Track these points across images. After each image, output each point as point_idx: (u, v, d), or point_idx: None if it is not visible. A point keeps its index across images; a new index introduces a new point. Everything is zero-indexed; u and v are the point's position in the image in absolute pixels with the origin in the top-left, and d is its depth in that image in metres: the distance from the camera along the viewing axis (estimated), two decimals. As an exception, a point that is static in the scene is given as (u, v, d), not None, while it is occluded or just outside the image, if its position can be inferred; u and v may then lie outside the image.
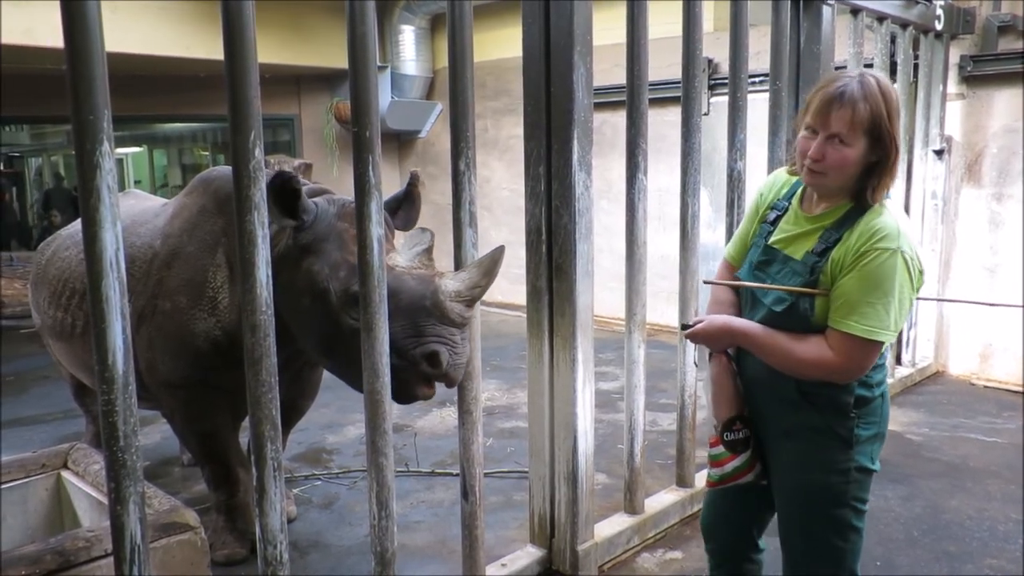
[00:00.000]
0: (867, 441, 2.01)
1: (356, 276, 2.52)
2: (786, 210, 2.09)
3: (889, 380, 5.45)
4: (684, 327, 2.16)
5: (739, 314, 2.14)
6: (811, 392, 1.99)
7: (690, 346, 3.54)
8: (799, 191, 2.08)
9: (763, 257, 2.07)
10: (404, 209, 2.97)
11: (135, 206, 3.57)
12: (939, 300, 5.81)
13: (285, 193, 2.62)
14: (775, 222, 2.09)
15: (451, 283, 2.60)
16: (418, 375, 2.61)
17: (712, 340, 2.08)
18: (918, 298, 2.00)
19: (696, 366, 3.49)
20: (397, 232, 2.98)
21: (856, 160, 1.87)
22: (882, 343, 1.88)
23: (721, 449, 2.14)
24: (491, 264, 2.61)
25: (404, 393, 2.66)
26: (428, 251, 2.79)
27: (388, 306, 2.47)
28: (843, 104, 1.83)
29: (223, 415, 3.21)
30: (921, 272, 1.91)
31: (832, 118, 1.84)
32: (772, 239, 2.07)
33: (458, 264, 2.72)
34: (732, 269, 2.24)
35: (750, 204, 2.23)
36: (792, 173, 2.10)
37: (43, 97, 7.95)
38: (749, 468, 2.14)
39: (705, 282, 2.16)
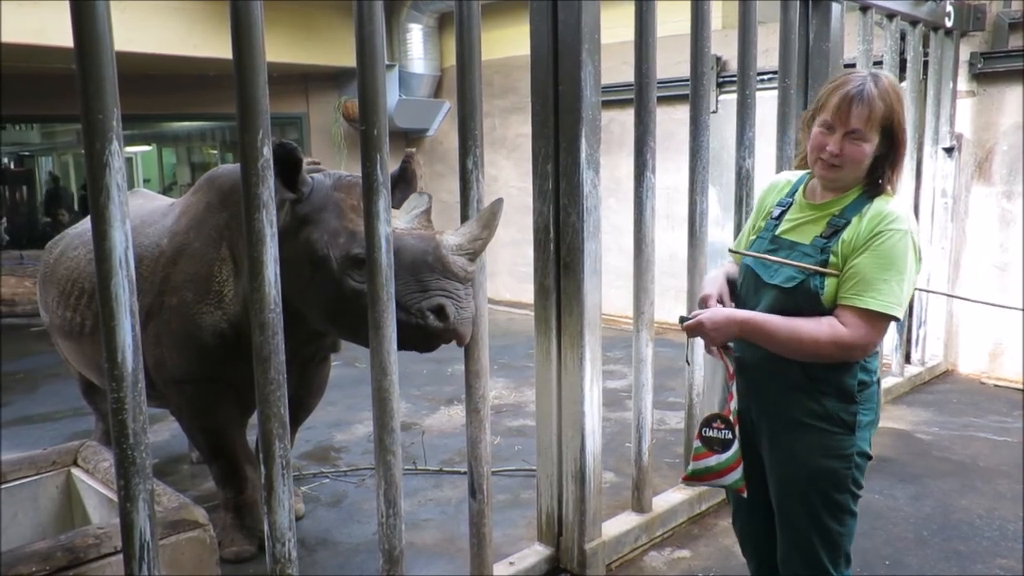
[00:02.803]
0: (866, 426, 2.07)
1: (356, 241, 2.60)
2: (790, 205, 2.15)
3: (899, 379, 5.47)
4: (682, 320, 2.12)
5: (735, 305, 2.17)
6: (818, 377, 2.01)
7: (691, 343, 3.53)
8: (802, 186, 2.15)
9: (771, 247, 2.12)
10: (400, 188, 2.97)
11: (144, 206, 3.58)
12: (947, 295, 5.76)
13: (288, 164, 2.64)
14: (780, 217, 2.15)
15: (452, 238, 2.65)
16: (426, 331, 2.62)
17: (718, 331, 2.05)
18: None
19: (688, 363, 3.47)
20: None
21: (870, 154, 1.96)
22: (894, 318, 1.93)
23: (698, 444, 2.15)
24: (490, 217, 2.66)
25: (418, 344, 2.67)
26: (427, 212, 2.82)
27: None
28: (862, 102, 1.92)
29: (230, 411, 3.22)
30: (921, 258, 1.99)
31: (852, 115, 1.92)
32: (779, 230, 2.13)
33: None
34: (735, 264, 2.29)
35: (755, 205, 2.31)
36: (800, 167, 2.16)
37: (53, 96, 8.02)
38: (725, 471, 2.12)
39: (730, 251, 2.20)
